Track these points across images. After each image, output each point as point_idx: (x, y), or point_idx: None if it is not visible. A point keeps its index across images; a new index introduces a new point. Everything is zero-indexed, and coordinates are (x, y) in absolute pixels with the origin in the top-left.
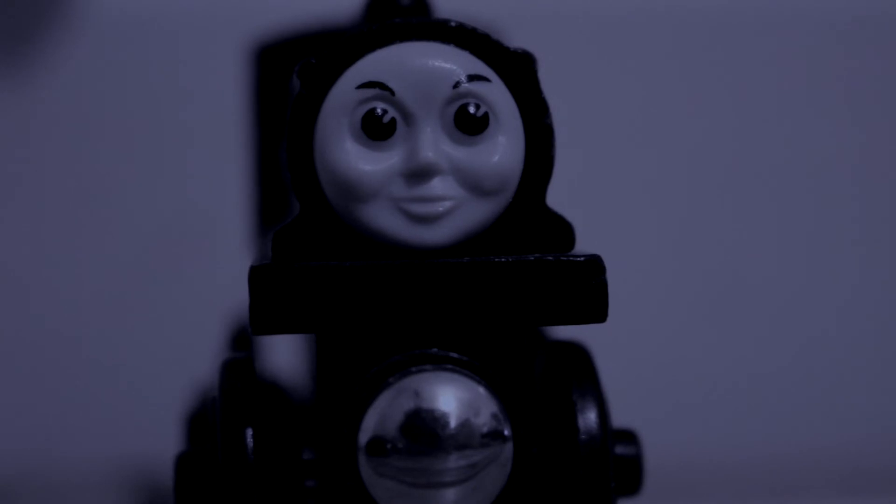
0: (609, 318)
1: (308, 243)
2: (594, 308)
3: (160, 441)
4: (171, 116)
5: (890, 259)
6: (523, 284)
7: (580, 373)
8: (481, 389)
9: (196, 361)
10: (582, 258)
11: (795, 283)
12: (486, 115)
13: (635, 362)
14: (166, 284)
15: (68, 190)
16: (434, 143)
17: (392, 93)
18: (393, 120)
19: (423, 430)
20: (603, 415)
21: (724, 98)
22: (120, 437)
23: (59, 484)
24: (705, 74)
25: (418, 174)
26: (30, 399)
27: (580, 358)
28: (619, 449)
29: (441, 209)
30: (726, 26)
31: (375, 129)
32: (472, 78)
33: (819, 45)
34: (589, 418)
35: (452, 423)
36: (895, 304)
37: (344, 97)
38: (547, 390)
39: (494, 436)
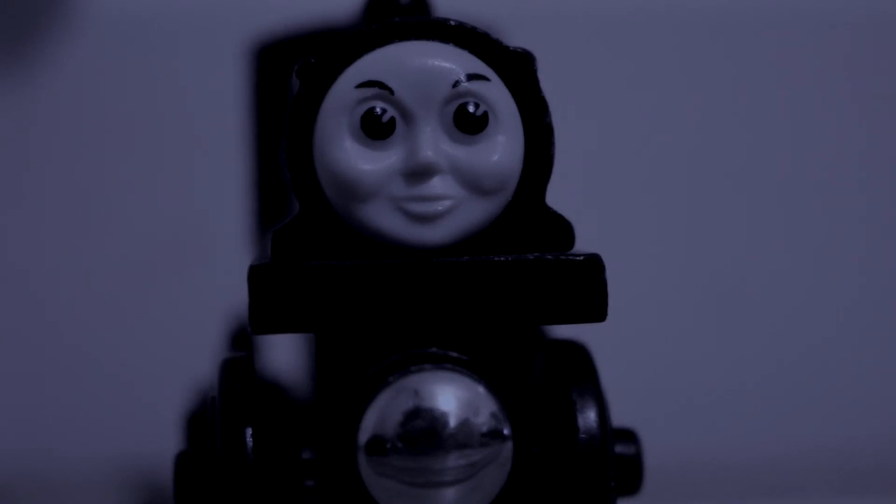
0: (609, 318)
1: (308, 243)
2: (594, 307)
3: (160, 441)
4: (171, 116)
5: (892, 259)
6: (523, 283)
7: (580, 372)
8: (480, 389)
9: (196, 361)
10: (581, 257)
11: (796, 282)
12: (485, 114)
13: (635, 362)
14: (166, 284)
15: (68, 190)
16: (433, 143)
17: (391, 92)
18: (392, 119)
19: (422, 429)
20: (602, 414)
21: (727, 97)
22: (120, 437)
23: (59, 484)
24: (707, 74)
25: (418, 173)
26: (30, 399)
27: (580, 357)
28: (619, 448)
29: (440, 208)
30: (728, 26)
31: (375, 129)
32: (472, 77)
33: (824, 44)
34: (589, 417)
35: (452, 422)
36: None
37: (343, 96)
38: (546, 389)
39: (494, 435)
